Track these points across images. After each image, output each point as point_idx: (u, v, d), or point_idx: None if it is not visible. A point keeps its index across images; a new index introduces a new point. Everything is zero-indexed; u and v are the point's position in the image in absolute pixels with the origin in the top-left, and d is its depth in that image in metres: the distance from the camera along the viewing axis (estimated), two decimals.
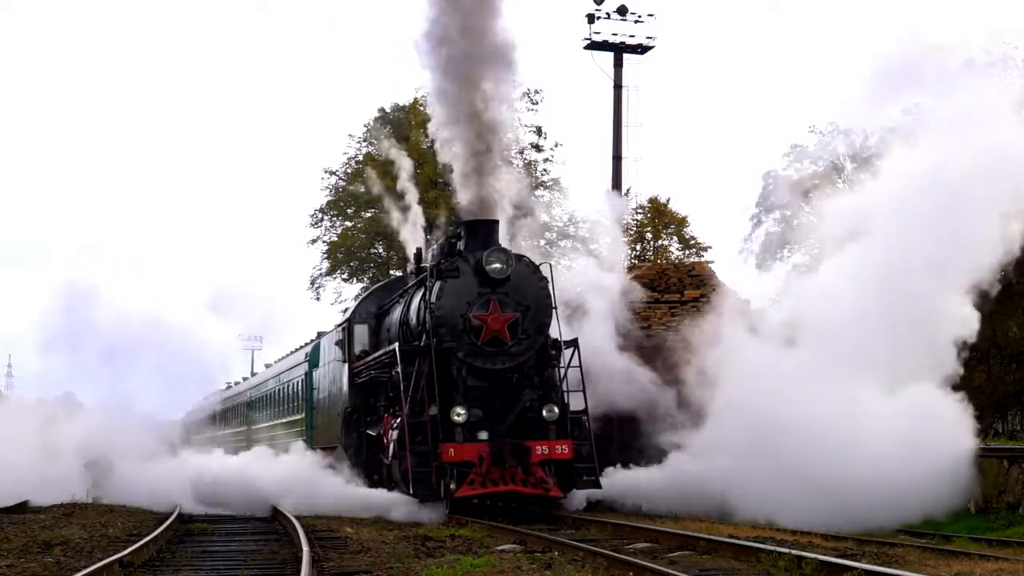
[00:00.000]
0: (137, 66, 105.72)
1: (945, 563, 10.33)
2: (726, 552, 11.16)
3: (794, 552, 10.09)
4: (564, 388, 17.09)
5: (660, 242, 42.50)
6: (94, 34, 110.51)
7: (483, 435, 16.16)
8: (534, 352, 16.89)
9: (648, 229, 42.21)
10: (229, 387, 46.88)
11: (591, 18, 29.94)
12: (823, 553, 10.34)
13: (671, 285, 22.28)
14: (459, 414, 16.11)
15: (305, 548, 11.55)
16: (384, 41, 72.40)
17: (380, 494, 17.65)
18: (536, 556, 11.42)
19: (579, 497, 16.98)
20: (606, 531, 14.35)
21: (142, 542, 12.35)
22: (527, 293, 16.92)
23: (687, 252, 41.21)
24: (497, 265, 16.63)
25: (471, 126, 16.33)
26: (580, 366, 17.16)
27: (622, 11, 30.07)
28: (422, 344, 16.84)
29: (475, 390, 16.51)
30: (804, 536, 12.99)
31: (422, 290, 17.45)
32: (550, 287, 17.12)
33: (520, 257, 17.10)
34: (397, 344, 17.39)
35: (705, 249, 41.83)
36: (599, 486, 16.76)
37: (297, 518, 15.36)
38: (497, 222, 17.34)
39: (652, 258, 40.44)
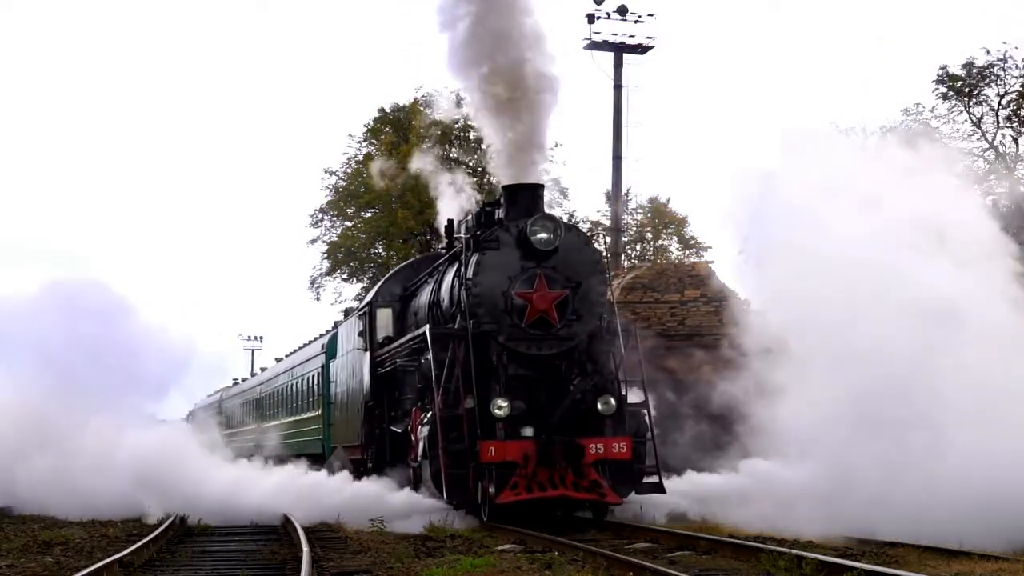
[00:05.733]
0: (136, 66, 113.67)
1: (945, 563, 10.55)
2: (726, 552, 11.58)
3: (794, 552, 10.48)
4: (621, 377, 16.64)
5: (660, 242, 46.39)
6: (92, 34, 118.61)
7: (528, 431, 15.75)
8: (586, 335, 16.37)
9: (648, 229, 46.08)
10: (236, 383, 49.14)
11: (591, 18, 32.06)
12: (823, 553, 10.67)
13: (671, 285, 23.61)
14: (500, 407, 15.65)
15: (305, 548, 12.36)
16: (384, 41, 78.12)
17: (417, 499, 17.19)
18: (536, 556, 11.95)
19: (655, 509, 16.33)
20: (606, 531, 14.62)
21: (142, 542, 13.45)
22: (578, 267, 16.37)
23: (687, 252, 44.99)
24: (543, 235, 16.09)
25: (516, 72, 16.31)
26: (639, 351, 16.92)
27: (622, 11, 32.19)
28: (456, 327, 16.45)
29: (518, 379, 16.07)
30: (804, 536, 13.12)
31: (456, 265, 17.13)
32: (604, 260, 16.79)
33: (570, 226, 16.71)
34: (428, 327, 17.03)
35: (705, 249, 45.40)
36: (663, 490, 16.37)
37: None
38: (542, 186, 16.94)
39: (652, 258, 44.17)
